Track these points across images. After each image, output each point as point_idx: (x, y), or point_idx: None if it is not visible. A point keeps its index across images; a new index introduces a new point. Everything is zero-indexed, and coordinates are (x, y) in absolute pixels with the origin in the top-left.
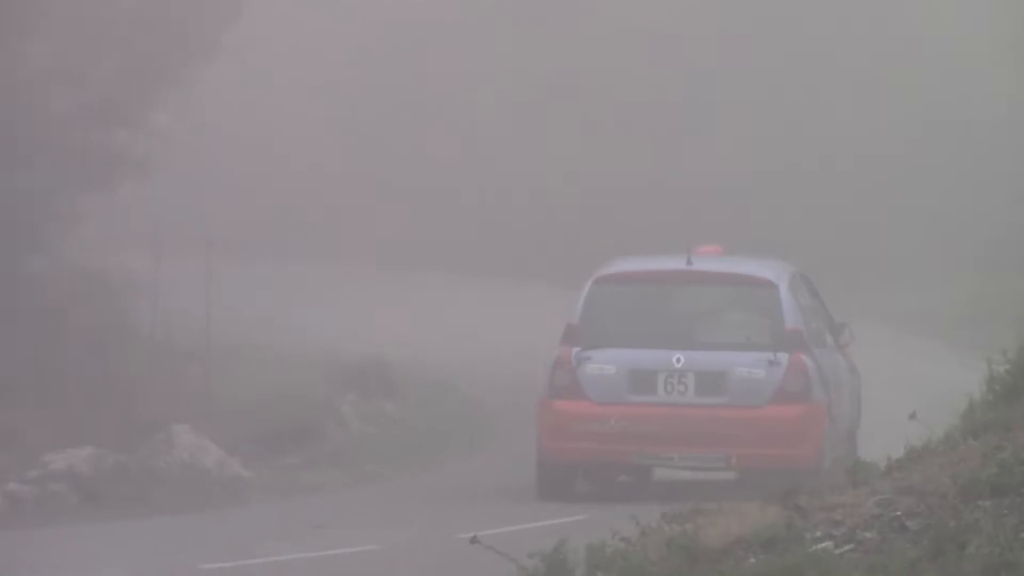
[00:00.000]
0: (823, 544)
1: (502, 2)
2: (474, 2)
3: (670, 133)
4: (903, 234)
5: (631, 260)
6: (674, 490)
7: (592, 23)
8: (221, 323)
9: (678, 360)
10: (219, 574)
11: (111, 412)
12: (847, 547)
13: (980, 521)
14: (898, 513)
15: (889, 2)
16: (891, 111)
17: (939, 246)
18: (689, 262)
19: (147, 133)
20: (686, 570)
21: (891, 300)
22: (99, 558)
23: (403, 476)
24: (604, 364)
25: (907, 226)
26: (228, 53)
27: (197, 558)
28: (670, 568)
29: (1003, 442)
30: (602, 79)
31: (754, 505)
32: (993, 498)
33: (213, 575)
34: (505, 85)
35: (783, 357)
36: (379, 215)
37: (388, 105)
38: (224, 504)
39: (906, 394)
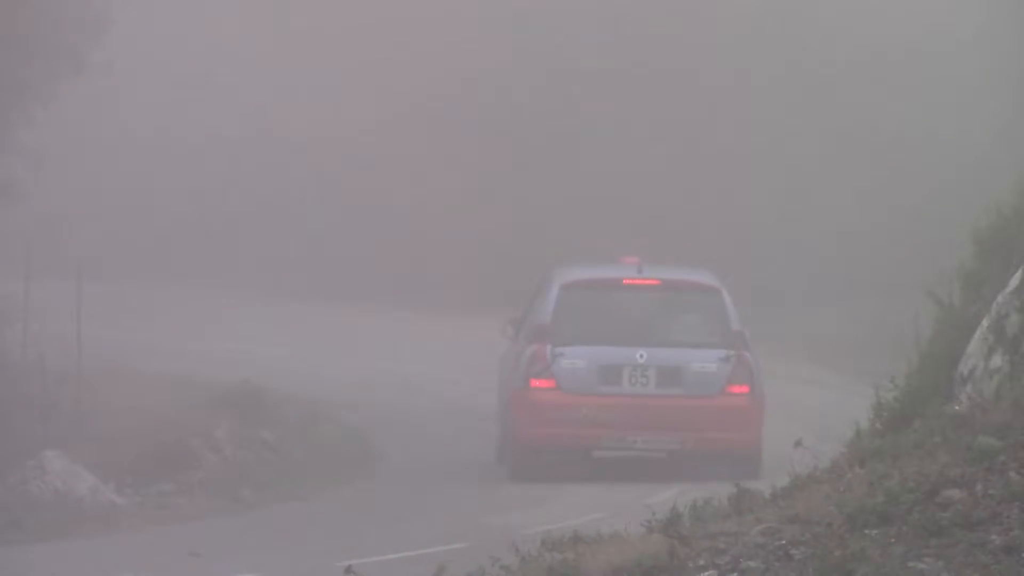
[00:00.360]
0: (706, 573)
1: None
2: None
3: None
4: (790, 259)
5: (590, 268)
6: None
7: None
8: (93, 347)
9: (641, 356)
10: None
11: None
12: None
13: (866, 550)
14: (783, 542)
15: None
16: (801, 125)
17: (826, 271)
18: (640, 270)
19: (14, 153)
20: None
21: (776, 326)
22: None
23: (280, 503)
24: (576, 359)
25: (795, 251)
26: (98, 69)
27: None
28: None
29: (890, 470)
30: (488, 102)
31: (636, 533)
32: (880, 527)
33: None
34: (391, 105)
35: (731, 354)
36: (259, 240)
37: (271, 126)
38: (97, 531)
39: (792, 421)
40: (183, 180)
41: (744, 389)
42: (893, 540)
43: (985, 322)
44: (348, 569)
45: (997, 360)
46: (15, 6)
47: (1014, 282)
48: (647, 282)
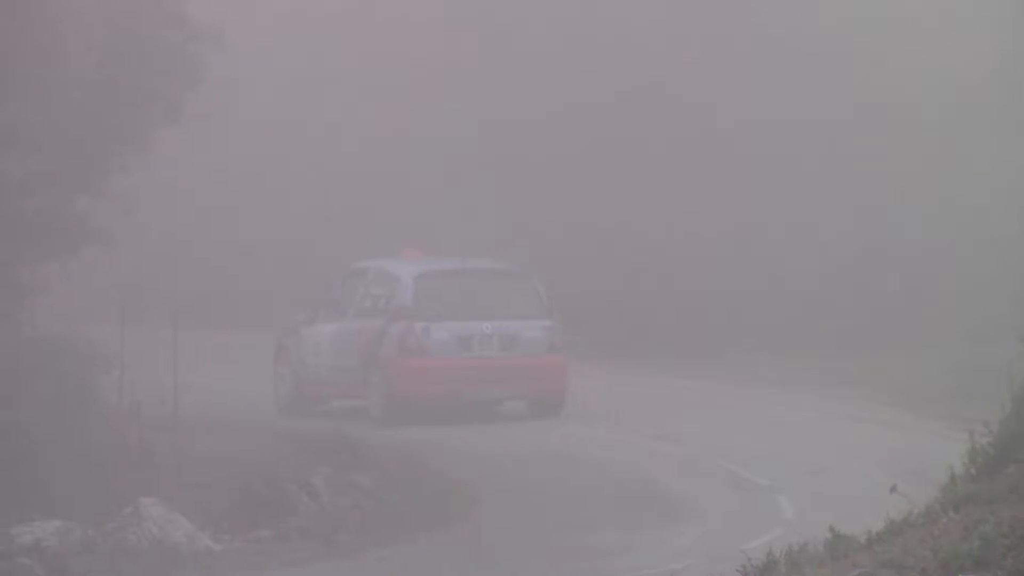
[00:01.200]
0: None
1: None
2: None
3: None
4: (871, 300)
5: (429, 262)
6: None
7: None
8: (189, 393)
9: (487, 327)
10: None
11: (78, 484)
12: None
13: None
14: None
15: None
16: (874, 162)
17: (911, 312)
18: (463, 261)
19: (108, 199)
20: None
21: (860, 369)
22: None
23: (377, 549)
24: (440, 332)
25: (877, 290)
26: (193, 116)
27: None
28: None
29: (985, 515)
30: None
31: None
32: (975, 572)
33: None
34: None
35: (548, 323)
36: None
37: (357, 169)
38: None
39: (882, 467)
40: (277, 224)
41: (558, 350)
42: None
43: None
44: None
45: None
46: (112, 54)
47: None
48: (478, 270)
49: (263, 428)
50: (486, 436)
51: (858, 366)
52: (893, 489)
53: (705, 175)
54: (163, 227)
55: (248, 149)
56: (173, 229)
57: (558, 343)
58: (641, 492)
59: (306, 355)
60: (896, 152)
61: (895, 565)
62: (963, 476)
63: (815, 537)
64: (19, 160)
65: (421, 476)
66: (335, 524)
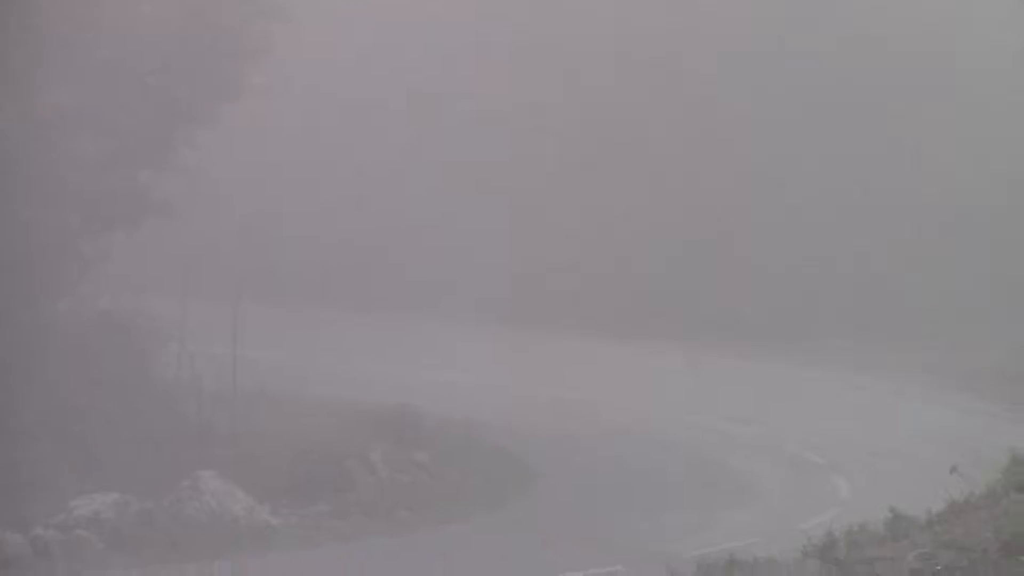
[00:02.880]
0: None
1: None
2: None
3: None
4: (947, 285)
5: None
6: None
7: None
8: (248, 368)
9: None
10: None
11: (136, 457)
12: None
13: None
14: (939, 567)
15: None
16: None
17: (985, 298)
18: None
19: (171, 173)
20: None
21: (932, 353)
22: None
23: (437, 525)
24: None
25: (948, 279)
26: (256, 93)
27: None
28: None
29: None
30: None
31: (792, 558)
32: None
33: None
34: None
35: None
36: (407, 262)
37: (417, 148)
38: (252, 552)
39: (946, 448)
40: (340, 202)
41: None
42: None
43: None
44: None
45: None
46: (180, 33)
47: None
48: None
49: (323, 403)
50: (546, 414)
51: (930, 350)
52: (953, 470)
53: (790, 160)
54: (229, 202)
55: (317, 124)
56: (239, 204)
57: None
58: (704, 472)
59: None
60: (975, 142)
61: (956, 546)
62: None
63: (873, 517)
64: (93, 139)
65: (479, 452)
66: (393, 500)
